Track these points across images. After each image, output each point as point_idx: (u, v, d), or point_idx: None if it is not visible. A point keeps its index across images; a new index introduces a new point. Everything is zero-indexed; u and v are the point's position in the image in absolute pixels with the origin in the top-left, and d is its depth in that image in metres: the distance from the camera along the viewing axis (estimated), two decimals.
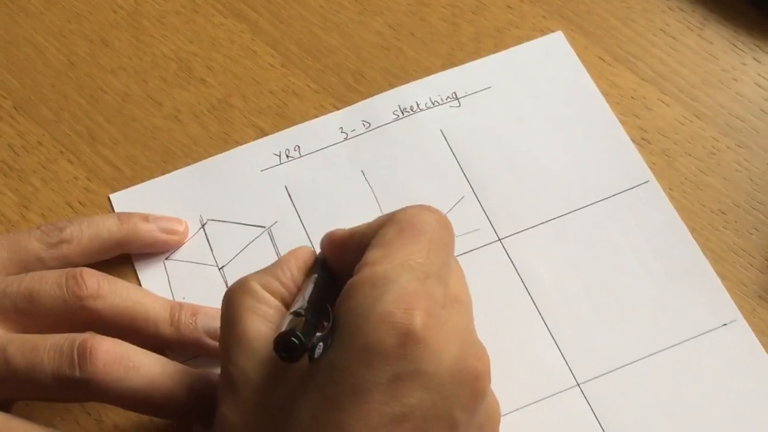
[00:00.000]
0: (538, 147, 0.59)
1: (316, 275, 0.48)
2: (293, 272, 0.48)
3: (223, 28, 0.64)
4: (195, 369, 0.50)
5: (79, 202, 0.59)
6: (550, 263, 0.55)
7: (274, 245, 0.57)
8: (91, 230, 0.55)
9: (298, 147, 0.60)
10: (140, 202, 0.59)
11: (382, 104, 0.61)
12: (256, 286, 0.47)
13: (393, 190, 0.58)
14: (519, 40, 0.62)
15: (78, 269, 0.51)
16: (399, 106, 0.61)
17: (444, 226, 0.46)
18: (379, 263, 0.44)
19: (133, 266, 0.56)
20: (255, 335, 0.45)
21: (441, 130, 0.60)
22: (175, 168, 0.60)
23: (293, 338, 0.42)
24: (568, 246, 0.56)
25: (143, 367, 0.48)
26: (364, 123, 0.60)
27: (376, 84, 0.62)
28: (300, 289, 0.47)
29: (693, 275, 0.54)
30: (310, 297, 0.45)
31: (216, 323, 0.51)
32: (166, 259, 0.57)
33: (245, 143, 0.60)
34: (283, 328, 0.43)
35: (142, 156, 0.60)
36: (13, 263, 0.53)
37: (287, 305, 0.46)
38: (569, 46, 0.62)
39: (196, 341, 0.53)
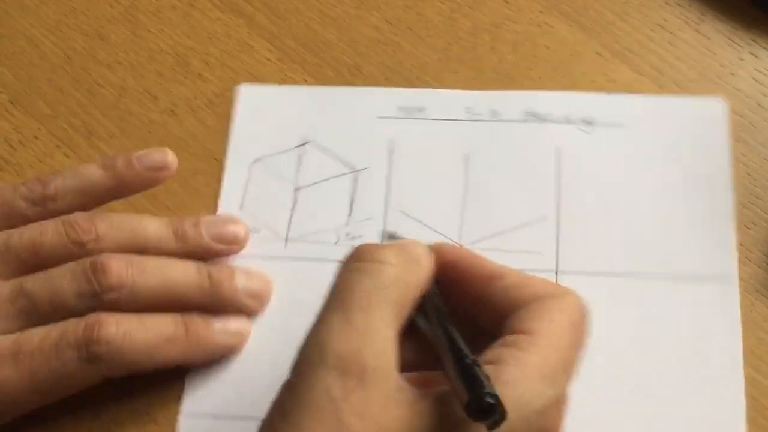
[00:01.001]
0: (643, 202, 0.56)
1: (438, 311, 0.44)
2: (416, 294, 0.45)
3: (220, 22, 0.64)
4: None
5: None
6: (595, 315, 0.51)
7: (353, 189, 0.58)
8: (76, 182, 0.54)
9: (422, 109, 0.60)
10: (262, 100, 0.61)
11: (516, 101, 0.60)
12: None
13: (483, 183, 0.57)
14: (516, 35, 0.62)
15: (73, 215, 0.52)
16: (532, 108, 0.59)
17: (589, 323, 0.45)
18: (548, 356, 0.41)
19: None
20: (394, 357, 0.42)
21: (558, 147, 0.58)
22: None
23: (490, 399, 0.38)
24: (619, 306, 0.53)
25: (154, 267, 0.51)
26: (493, 112, 0.59)
27: (373, 78, 0.62)
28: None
29: (723, 386, 0.51)
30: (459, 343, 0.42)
31: (219, 228, 0.54)
32: (253, 161, 0.59)
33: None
34: (465, 391, 0.39)
35: (138, 150, 0.60)
36: None
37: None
38: (726, 117, 0.58)
39: (205, 247, 0.54)
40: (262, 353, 0.53)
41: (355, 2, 0.64)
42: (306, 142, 0.59)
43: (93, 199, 0.55)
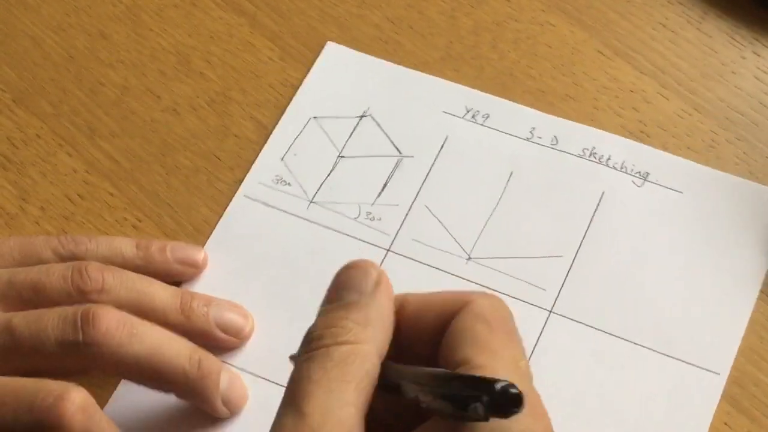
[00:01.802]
0: (664, 274, 0.54)
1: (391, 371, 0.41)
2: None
3: (222, 21, 0.64)
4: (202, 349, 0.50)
5: (78, 195, 0.59)
6: (572, 365, 0.52)
7: (392, 172, 0.58)
8: (107, 252, 0.54)
9: (487, 116, 0.60)
10: (342, 64, 0.62)
11: (580, 134, 0.59)
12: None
13: (517, 204, 0.57)
14: (517, 34, 0.62)
15: (85, 263, 0.51)
16: (594, 146, 0.58)
17: (513, 317, 0.42)
18: (492, 369, 0.39)
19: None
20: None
21: (604, 192, 0.57)
22: (175, 161, 0.60)
23: (513, 389, 0.37)
24: (599, 364, 0.52)
25: (147, 334, 0.49)
26: (554, 138, 0.59)
27: None
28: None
29: None
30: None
31: (228, 315, 0.52)
32: (314, 117, 0.60)
33: (245, 137, 0.60)
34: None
35: (140, 149, 0.60)
36: (20, 265, 0.53)
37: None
38: None
39: (207, 331, 0.52)
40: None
41: (356, 1, 0.64)
42: (366, 115, 0.60)
43: None
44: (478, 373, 0.39)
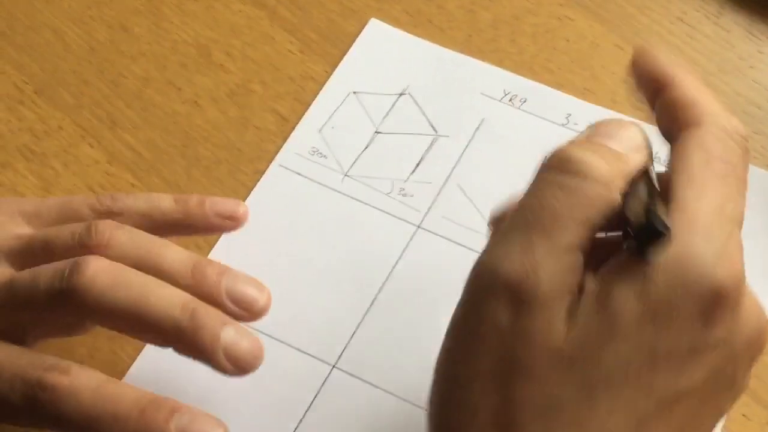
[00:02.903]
0: None
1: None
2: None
3: (242, 14, 0.65)
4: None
5: (100, 186, 0.59)
6: None
7: (427, 150, 0.59)
8: (145, 206, 0.52)
9: (524, 100, 0.60)
10: (384, 41, 0.63)
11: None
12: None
13: None
14: (536, 28, 0.63)
15: (101, 221, 0.49)
16: None
17: (747, 160, 0.41)
18: (694, 209, 0.39)
19: None
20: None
21: None
22: (196, 153, 0.60)
23: (658, 225, 0.37)
24: None
25: (134, 281, 0.46)
26: (590, 125, 0.59)
27: None
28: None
29: None
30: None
31: (242, 286, 0.49)
32: (354, 92, 0.61)
33: (266, 128, 0.61)
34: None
35: (161, 140, 0.61)
36: (57, 223, 0.52)
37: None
38: None
39: (216, 300, 0.48)
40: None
41: None
42: (405, 93, 0.61)
43: (156, 227, 0.51)
44: (680, 205, 0.38)
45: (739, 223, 0.40)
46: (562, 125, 0.59)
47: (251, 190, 0.59)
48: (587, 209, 0.38)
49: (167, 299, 0.46)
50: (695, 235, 0.38)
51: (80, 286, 0.45)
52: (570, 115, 0.60)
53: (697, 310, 0.38)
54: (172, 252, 0.49)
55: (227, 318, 0.47)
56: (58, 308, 0.47)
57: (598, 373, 0.38)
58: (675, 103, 0.42)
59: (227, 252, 0.57)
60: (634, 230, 0.38)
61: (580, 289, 0.38)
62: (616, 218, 0.40)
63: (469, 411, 0.39)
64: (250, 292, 0.49)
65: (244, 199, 0.58)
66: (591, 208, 0.38)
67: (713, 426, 0.42)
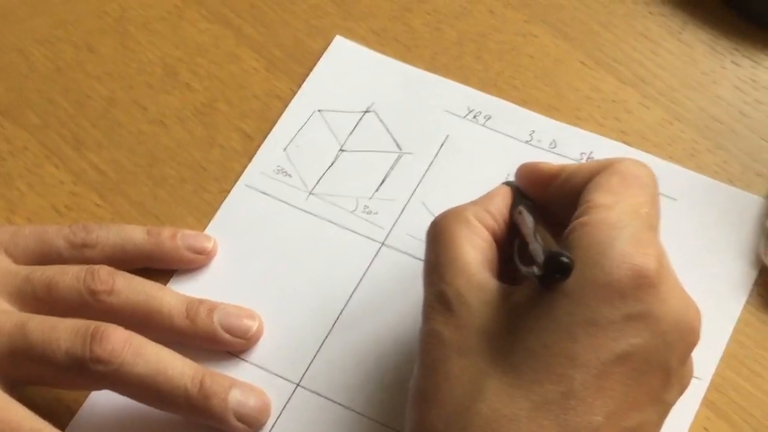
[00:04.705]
0: None
1: (526, 205, 0.49)
2: (501, 207, 0.50)
3: (208, 33, 0.65)
4: (208, 368, 0.51)
5: (66, 206, 0.59)
6: None
7: (391, 168, 0.59)
8: (117, 239, 0.55)
9: (489, 117, 0.61)
10: (349, 59, 0.63)
11: (579, 140, 0.59)
12: (471, 218, 0.48)
13: None
14: (501, 45, 0.63)
15: (98, 266, 0.53)
16: (591, 152, 0.59)
17: (657, 184, 0.48)
18: (610, 207, 0.45)
19: None
20: (470, 261, 0.46)
21: None
22: (162, 173, 0.60)
23: (564, 258, 0.42)
24: None
25: (151, 355, 0.49)
26: (553, 142, 0.59)
27: None
28: (508, 222, 0.49)
29: None
30: (536, 226, 0.46)
31: (234, 317, 0.53)
32: (319, 110, 0.61)
33: (231, 147, 0.61)
34: (541, 251, 0.43)
35: (127, 160, 0.61)
36: (35, 254, 0.55)
37: (497, 238, 0.48)
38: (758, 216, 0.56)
39: (212, 334, 0.53)
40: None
41: (341, 13, 0.65)
42: (370, 111, 0.61)
43: (128, 259, 0.56)
44: (595, 211, 0.45)
45: (654, 227, 0.46)
46: (526, 142, 0.59)
47: (217, 209, 0.59)
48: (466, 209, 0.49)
49: (179, 371, 0.50)
50: (612, 228, 0.44)
51: (102, 358, 0.49)
52: (534, 131, 0.60)
53: (616, 287, 0.42)
54: (168, 296, 0.53)
55: (233, 380, 0.51)
56: (77, 374, 0.49)
57: (521, 350, 0.43)
58: (580, 167, 0.49)
59: (193, 270, 0.57)
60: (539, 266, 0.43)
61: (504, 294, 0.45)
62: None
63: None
64: (242, 321, 0.54)
65: (209, 219, 0.59)
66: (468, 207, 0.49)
67: (657, 416, 0.44)
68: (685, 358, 0.45)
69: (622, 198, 0.46)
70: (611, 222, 0.44)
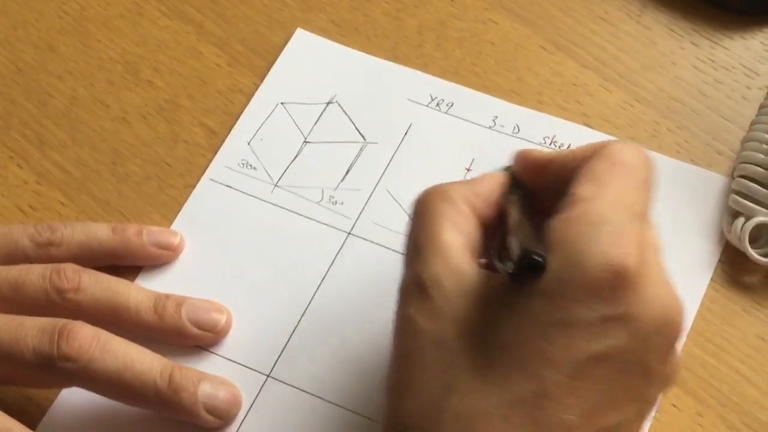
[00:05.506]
0: None
1: (519, 194, 0.47)
2: (492, 191, 0.47)
3: (169, 30, 0.65)
4: (175, 362, 0.51)
5: (30, 206, 0.59)
6: None
7: (356, 158, 0.59)
8: (82, 237, 0.55)
9: (451, 104, 0.61)
10: (311, 51, 0.63)
11: (542, 123, 0.59)
12: (456, 197, 0.46)
13: None
14: (461, 32, 0.63)
15: (64, 264, 0.53)
16: (554, 135, 0.59)
17: (651, 166, 0.46)
18: (592, 200, 0.43)
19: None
20: (451, 243, 0.44)
21: None
22: (126, 170, 0.60)
23: (537, 257, 0.41)
24: None
25: (119, 351, 0.49)
26: (516, 127, 0.60)
27: None
28: (499, 208, 0.47)
29: None
30: (522, 218, 0.45)
31: (202, 311, 0.53)
32: (282, 103, 0.61)
33: (195, 143, 0.61)
34: (516, 247, 0.42)
35: (90, 158, 0.61)
36: (0, 255, 0.55)
37: (485, 223, 0.46)
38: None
39: (180, 328, 0.53)
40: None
41: (301, 6, 0.65)
42: (333, 102, 0.61)
43: (94, 257, 0.55)
44: (576, 206, 0.43)
45: (640, 215, 0.44)
46: (489, 128, 0.60)
47: (182, 204, 0.59)
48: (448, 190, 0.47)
49: (147, 366, 0.50)
50: (591, 225, 0.42)
51: (69, 355, 0.49)
52: (497, 117, 0.60)
53: (592, 287, 0.41)
54: (134, 291, 0.53)
55: (202, 373, 0.51)
56: (45, 372, 0.49)
57: (496, 345, 0.42)
58: (573, 152, 0.47)
59: (160, 266, 0.57)
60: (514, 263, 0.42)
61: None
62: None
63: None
64: (210, 314, 0.54)
65: (175, 214, 0.59)
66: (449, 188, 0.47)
67: (637, 415, 0.43)
68: (666, 355, 0.44)
69: (606, 188, 0.44)
70: (591, 219, 0.42)
